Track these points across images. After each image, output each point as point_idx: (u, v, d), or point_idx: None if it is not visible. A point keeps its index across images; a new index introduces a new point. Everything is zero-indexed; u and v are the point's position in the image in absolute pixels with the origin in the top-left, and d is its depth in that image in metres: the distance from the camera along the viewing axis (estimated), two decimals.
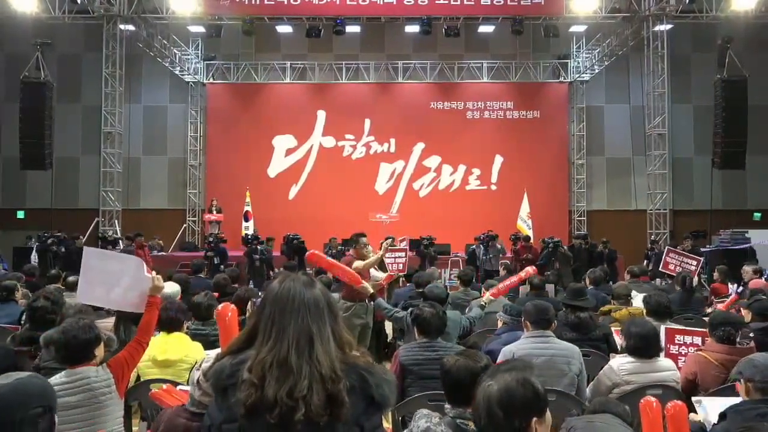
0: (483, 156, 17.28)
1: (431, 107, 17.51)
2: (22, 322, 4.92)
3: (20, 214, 17.25)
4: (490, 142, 17.26)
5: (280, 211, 16.47)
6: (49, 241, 11.56)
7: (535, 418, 1.67)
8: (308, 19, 15.10)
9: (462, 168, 17.37)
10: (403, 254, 5.93)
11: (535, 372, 1.78)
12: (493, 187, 17.35)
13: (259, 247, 12.43)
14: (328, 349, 1.59)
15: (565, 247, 12.35)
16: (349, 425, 1.56)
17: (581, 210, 17.67)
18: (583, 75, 17.48)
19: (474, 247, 13.09)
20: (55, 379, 2.96)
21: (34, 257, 12.16)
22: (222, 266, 11.16)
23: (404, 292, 7.07)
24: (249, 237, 13.07)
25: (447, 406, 2.61)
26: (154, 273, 3.45)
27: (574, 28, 16.28)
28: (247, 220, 15.44)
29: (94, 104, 16.28)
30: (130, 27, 14.95)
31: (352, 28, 15.71)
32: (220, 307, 2.76)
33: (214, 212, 15.66)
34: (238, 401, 1.53)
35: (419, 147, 17.35)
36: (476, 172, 17.37)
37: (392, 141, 17.42)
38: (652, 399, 2.38)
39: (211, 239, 12.86)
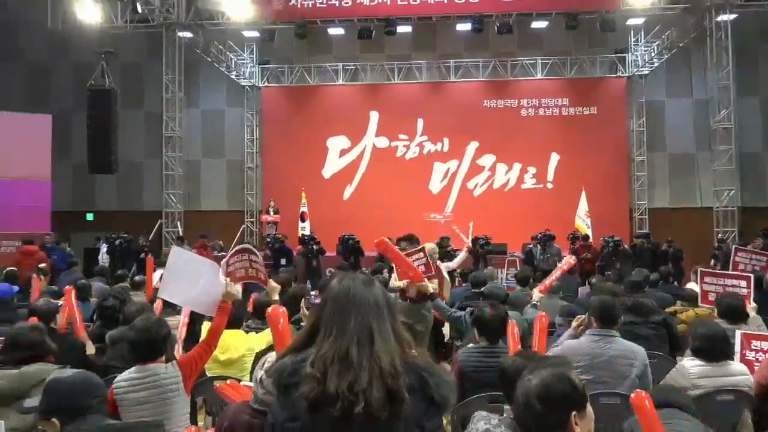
0: (539, 154, 17.00)
1: (484, 105, 17.35)
2: (94, 319, 5.16)
3: (89, 217, 18.02)
4: (545, 140, 16.96)
5: (335, 211, 16.65)
6: (117, 242, 12.02)
7: (574, 412, 1.70)
8: (359, 20, 15.22)
9: (517, 166, 17.13)
10: (422, 255, 5.58)
11: (571, 367, 1.83)
12: (550, 185, 17.04)
13: (315, 247, 12.61)
14: (388, 346, 1.61)
15: (626, 246, 12.03)
16: (409, 425, 1.56)
17: (643, 208, 17.15)
18: (642, 69, 16.96)
19: (531, 246, 12.90)
20: (126, 375, 3.08)
21: (103, 258, 12.69)
22: (287, 266, 11.38)
23: (460, 292, 7.04)
24: (305, 237, 13.26)
25: (506, 407, 2.59)
26: (228, 279, 3.56)
27: (631, 21, 15.83)
28: (303, 221, 15.66)
29: (155, 110, 16.85)
30: (188, 34, 15.41)
31: (404, 28, 15.73)
32: (269, 309, 2.80)
33: (272, 213, 15.96)
34: (300, 395, 1.55)
35: (473, 146, 17.22)
36: (532, 170, 17.11)
37: (445, 140, 17.35)
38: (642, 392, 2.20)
39: (269, 240, 13.12)
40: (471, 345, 3.91)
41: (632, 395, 2.17)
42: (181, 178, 16.24)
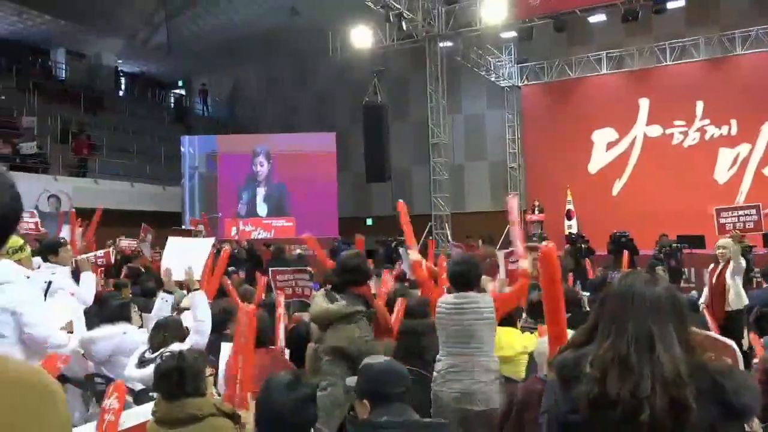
0: None
1: None
2: None
3: (369, 222, 19.87)
4: None
5: (604, 207, 15.77)
6: (393, 245, 13.01)
7: None
8: (623, 3, 14.19)
9: None
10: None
11: None
12: None
13: (583, 246, 12.10)
14: (671, 351, 1.51)
15: None
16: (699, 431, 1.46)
17: None
18: None
19: None
20: (450, 298, 3.68)
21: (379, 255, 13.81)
22: None
23: (761, 295, 6.09)
24: (572, 236, 12.83)
25: None
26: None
27: None
28: (569, 219, 15.18)
29: (421, 119, 17.89)
30: (449, 43, 16.05)
31: (675, 4, 14.24)
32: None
33: (536, 212, 15.76)
34: (580, 394, 1.54)
35: None
36: None
37: (733, 122, 15.25)
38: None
39: (534, 239, 12.98)
40: None
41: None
42: (447, 182, 16.95)
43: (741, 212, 5.92)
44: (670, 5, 13.85)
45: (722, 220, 6.02)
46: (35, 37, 20.25)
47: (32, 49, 20.62)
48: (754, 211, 5.82)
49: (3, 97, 16.57)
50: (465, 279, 3.74)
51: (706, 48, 15.57)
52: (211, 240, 4.94)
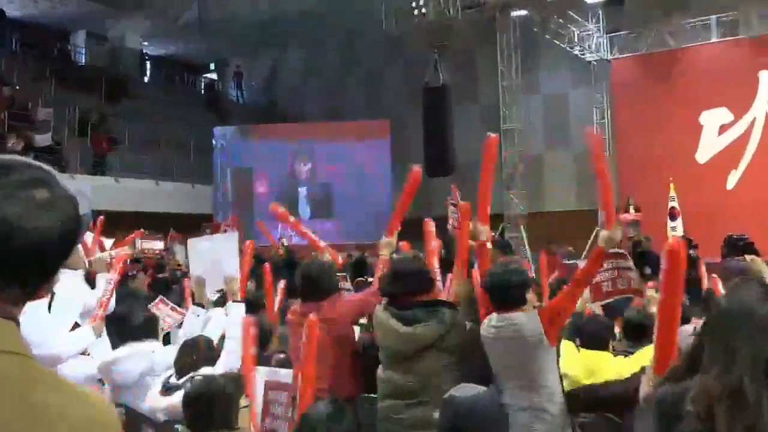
0: None
1: None
2: None
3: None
4: None
5: (716, 204, 15.18)
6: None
7: None
8: None
9: None
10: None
11: None
12: None
13: (690, 252, 11.64)
14: None
15: None
16: None
17: None
18: None
19: None
20: (493, 319, 3.39)
21: None
22: (653, 275, 10.76)
23: None
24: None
25: None
26: None
27: None
28: (673, 219, 14.62)
29: (490, 102, 17.72)
30: (523, 12, 15.79)
31: None
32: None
33: (631, 211, 15.27)
34: None
35: None
36: None
37: None
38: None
39: (630, 244, 12.58)
40: None
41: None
42: (523, 176, 16.69)
43: None
44: None
45: None
46: (52, 20, 21.07)
47: (49, 32, 21.48)
48: None
49: (17, 87, 17.27)
50: (501, 297, 3.42)
51: None
52: (236, 234, 4.94)
